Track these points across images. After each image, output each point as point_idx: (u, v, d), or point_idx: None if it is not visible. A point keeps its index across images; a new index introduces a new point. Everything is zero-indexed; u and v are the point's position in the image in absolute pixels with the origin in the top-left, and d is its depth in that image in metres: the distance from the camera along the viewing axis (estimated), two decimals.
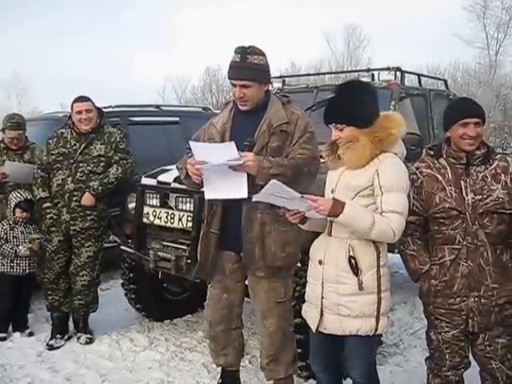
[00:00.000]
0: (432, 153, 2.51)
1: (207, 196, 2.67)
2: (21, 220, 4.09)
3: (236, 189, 2.54)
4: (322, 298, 2.32)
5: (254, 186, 2.53)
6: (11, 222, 4.09)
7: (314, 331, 2.39)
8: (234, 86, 2.69)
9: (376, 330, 2.28)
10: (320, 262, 2.31)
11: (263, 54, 2.71)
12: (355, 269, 2.22)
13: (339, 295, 2.26)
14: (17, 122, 4.36)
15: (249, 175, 2.56)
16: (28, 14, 50.14)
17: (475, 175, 2.37)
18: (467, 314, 2.36)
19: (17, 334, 4.12)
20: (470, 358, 2.50)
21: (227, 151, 2.50)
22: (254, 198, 2.33)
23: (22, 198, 4.08)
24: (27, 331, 4.15)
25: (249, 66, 2.65)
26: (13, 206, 4.08)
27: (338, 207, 2.16)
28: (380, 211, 2.21)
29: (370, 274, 2.24)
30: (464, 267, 2.34)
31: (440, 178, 2.40)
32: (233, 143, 2.52)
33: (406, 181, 2.29)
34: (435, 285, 2.42)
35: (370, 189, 2.23)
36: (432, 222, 2.44)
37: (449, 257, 2.37)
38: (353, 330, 2.27)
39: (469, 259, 2.33)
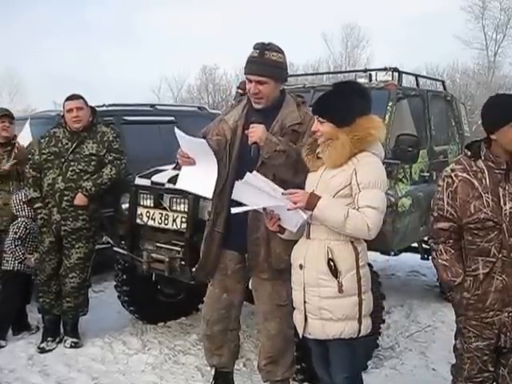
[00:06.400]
0: (469, 154, 2.28)
1: (178, 185, 2.84)
2: None
3: (205, 187, 2.70)
4: (305, 302, 2.29)
5: (260, 158, 2.59)
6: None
7: (300, 336, 2.38)
8: (250, 81, 2.68)
9: (359, 331, 2.27)
10: (300, 267, 2.29)
11: (282, 52, 2.71)
12: (334, 271, 2.21)
13: (321, 299, 2.24)
14: (6, 110, 4.33)
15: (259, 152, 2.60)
16: (20, 10, 50.02)
17: None
18: (499, 329, 2.25)
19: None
20: None
21: (202, 147, 2.63)
22: (233, 210, 2.36)
23: None
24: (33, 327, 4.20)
25: (266, 62, 2.64)
26: None
27: (313, 200, 2.17)
28: (357, 207, 2.18)
29: (349, 276, 2.22)
30: (498, 281, 2.20)
31: (476, 183, 2.21)
32: (205, 141, 2.64)
33: (384, 179, 2.26)
34: (467, 298, 2.28)
35: (349, 188, 2.21)
36: (466, 232, 2.27)
37: (482, 270, 2.23)
38: (336, 334, 2.25)
39: (504, 273, 2.19)
